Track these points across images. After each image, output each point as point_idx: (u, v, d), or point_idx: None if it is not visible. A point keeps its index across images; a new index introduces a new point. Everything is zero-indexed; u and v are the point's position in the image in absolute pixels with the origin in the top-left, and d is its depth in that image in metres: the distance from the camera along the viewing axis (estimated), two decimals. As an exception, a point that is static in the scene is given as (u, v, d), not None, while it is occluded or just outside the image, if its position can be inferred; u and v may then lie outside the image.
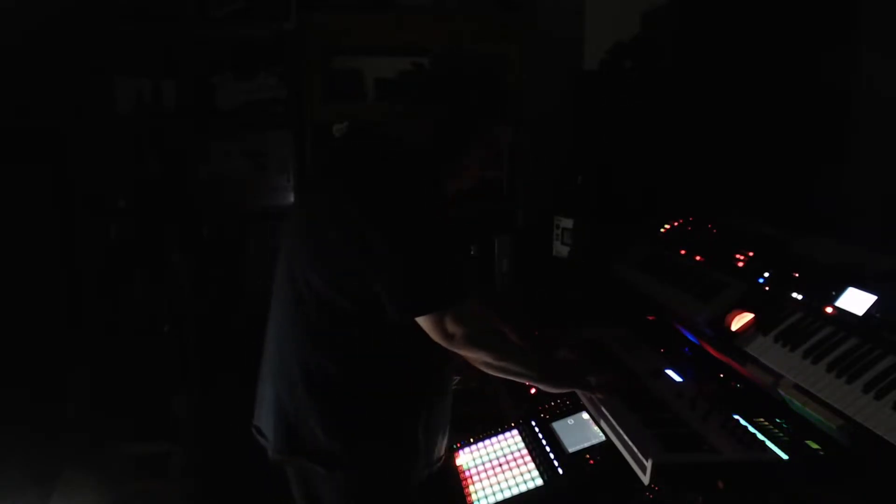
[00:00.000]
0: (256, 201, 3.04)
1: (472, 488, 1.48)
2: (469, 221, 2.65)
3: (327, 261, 1.35)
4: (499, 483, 1.45)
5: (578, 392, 1.53)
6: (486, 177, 1.56)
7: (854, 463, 1.14)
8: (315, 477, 1.41)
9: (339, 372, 1.37)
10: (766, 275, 1.51)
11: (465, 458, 1.59)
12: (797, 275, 1.44)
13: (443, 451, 1.53)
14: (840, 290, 1.31)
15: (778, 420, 1.31)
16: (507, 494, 1.42)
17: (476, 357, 1.38)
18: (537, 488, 1.40)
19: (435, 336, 1.34)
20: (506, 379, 1.50)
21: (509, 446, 1.56)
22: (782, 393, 1.28)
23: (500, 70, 1.56)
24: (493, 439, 1.60)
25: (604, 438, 1.41)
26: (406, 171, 1.36)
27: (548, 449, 1.48)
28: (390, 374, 1.39)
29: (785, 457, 1.18)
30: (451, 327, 1.33)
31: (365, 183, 1.36)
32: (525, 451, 1.52)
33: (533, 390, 1.70)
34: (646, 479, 1.16)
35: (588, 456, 1.40)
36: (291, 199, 3.00)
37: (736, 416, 1.32)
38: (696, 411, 1.35)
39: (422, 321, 1.33)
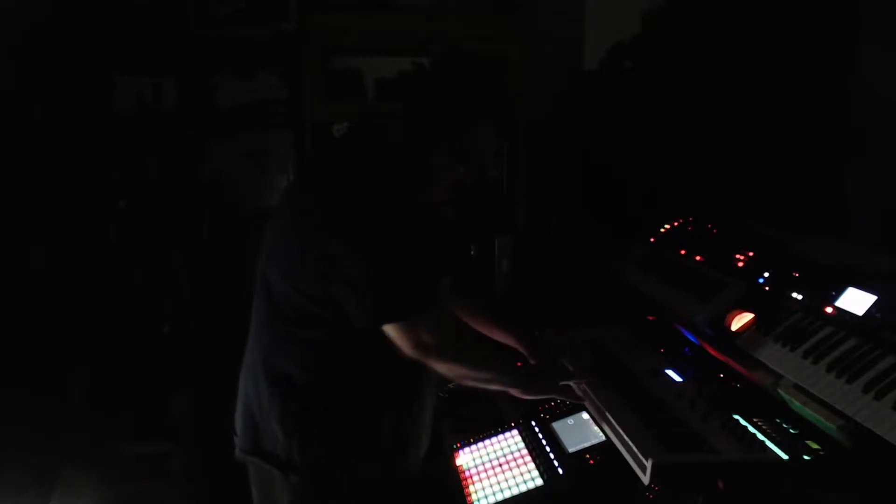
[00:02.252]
0: (256, 201, 3.04)
1: (472, 488, 1.48)
2: (469, 221, 2.65)
3: (292, 263, 1.34)
4: (499, 483, 1.45)
5: (574, 387, 1.53)
6: (474, 184, 1.47)
7: (854, 463, 1.14)
8: (272, 480, 1.40)
9: (301, 373, 1.36)
10: (766, 275, 1.51)
11: (465, 458, 1.59)
12: (797, 275, 1.44)
13: (417, 460, 1.50)
14: (840, 290, 1.31)
15: (778, 420, 1.31)
16: (507, 494, 1.42)
17: (446, 368, 1.37)
18: (537, 488, 1.40)
19: (404, 346, 1.31)
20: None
21: (509, 446, 1.56)
22: (782, 393, 1.28)
23: (496, 72, 1.52)
24: (493, 439, 1.60)
25: (604, 438, 1.41)
26: (374, 174, 1.34)
27: (548, 449, 1.48)
28: (353, 378, 1.38)
29: (785, 457, 1.18)
30: (422, 336, 1.30)
31: (330, 185, 1.35)
32: (525, 451, 1.52)
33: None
34: (646, 479, 1.16)
35: (588, 456, 1.40)
36: (291, 199, 3.01)
37: (736, 416, 1.32)
38: (696, 411, 1.35)
39: (389, 330, 1.30)
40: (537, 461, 1.47)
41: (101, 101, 2.87)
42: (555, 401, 1.62)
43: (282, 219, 1.42)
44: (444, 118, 1.36)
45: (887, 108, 1.69)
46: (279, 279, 1.36)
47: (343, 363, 1.37)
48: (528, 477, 1.44)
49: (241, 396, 1.49)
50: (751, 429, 1.27)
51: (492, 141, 1.42)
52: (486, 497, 1.43)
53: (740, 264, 1.61)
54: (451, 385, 1.83)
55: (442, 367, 1.37)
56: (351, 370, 1.38)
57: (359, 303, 1.29)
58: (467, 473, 1.53)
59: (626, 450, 1.25)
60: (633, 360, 1.65)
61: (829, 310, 1.30)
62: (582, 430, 1.48)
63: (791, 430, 1.27)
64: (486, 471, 1.51)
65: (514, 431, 1.59)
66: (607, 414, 1.38)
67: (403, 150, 1.38)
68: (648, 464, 1.15)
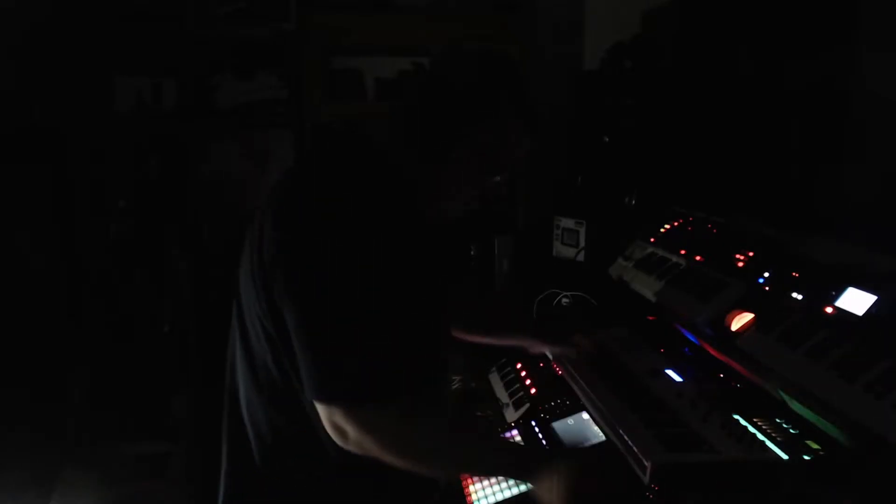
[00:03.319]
0: (256, 201, 3.03)
1: (472, 488, 1.47)
2: (470, 221, 2.63)
3: (260, 289, 1.10)
4: (499, 483, 1.45)
5: (574, 388, 1.53)
6: (487, 195, 1.26)
7: (854, 463, 1.14)
8: None
9: (285, 428, 1.14)
10: (766, 275, 1.51)
11: (465, 458, 1.59)
12: (797, 275, 1.44)
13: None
14: (840, 290, 1.31)
15: (778, 420, 1.31)
16: (507, 494, 1.41)
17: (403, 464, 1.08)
18: (537, 488, 1.40)
19: (328, 428, 1.05)
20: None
21: (509, 446, 1.55)
22: (782, 393, 1.28)
23: (510, 67, 1.21)
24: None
25: (604, 438, 1.41)
26: (354, 189, 1.06)
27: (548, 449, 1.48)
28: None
29: (785, 457, 1.18)
30: (341, 422, 1.02)
31: (293, 204, 1.09)
32: (525, 451, 1.51)
33: (533, 390, 1.70)
34: (646, 480, 1.16)
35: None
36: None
37: (736, 416, 1.32)
38: (696, 411, 1.35)
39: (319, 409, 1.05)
40: (537, 461, 1.46)
41: (101, 101, 2.88)
42: (555, 401, 1.62)
43: (250, 239, 1.18)
44: (467, 111, 1.15)
45: (887, 108, 1.69)
46: (255, 312, 1.13)
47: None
48: (528, 477, 1.43)
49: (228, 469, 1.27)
50: (751, 429, 1.27)
51: (526, 140, 1.22)
52: (486, 497, 1.43)
53: (740, 264, 1.61)
54: (453, 386, 1.83)
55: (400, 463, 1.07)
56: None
57: (303, 362, 1.03)
58: (467, 473, 1.53)
59: (626, 450, 1.25)
60: (633, 360, 1.65)
61: (829, 310, 1.30)
62: (582, 430, 1.48)
63: (791, 430, 1.27)
64: (486, 471, 1.51)
65: (514, 431, 1.59)
66: (607, 414, 1.38)
67: (410, 151, 1.18)
68: (648, 464, 1.15)
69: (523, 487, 1.41)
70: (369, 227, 1.03)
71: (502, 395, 1.75)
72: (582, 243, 2.45)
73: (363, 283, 1.00)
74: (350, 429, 1.02)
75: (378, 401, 1.02)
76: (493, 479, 1.46)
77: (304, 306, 1.01)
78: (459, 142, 1.16)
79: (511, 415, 1.66)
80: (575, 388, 1.59)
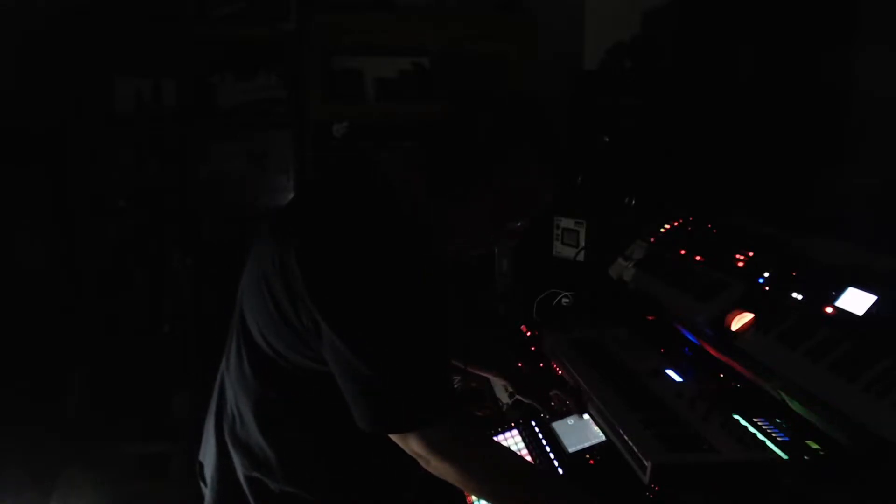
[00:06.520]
0: (256, 201, 3.04)
1: (472, 488, 1.47)
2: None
3: (274, 326, 1.14)
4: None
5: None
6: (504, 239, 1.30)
7: (854, 463, 1.14)
8: None
9: (275, 448, 1.20)
10: (766, 275, 1.51)
11: (465, 458, 1.58)
12: (797, 275, 1.44)
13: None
14: (840, 290, 1.31)
15: (778, 420, 1.31)
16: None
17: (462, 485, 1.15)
18: (537, 488, 1.40)
19: (407, 451, 1.12)
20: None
21: (509, 446, 1.55)
22: (782, 393, 1.29)
23: (534, 110, 1.21)
24: (493, 439, 1.60)
25: (604, 438, 1.41)
26: (371, 235, 1.07)
27: (548, 449, 1.47)
28: (335, 453, 1.21)
29: (785, 457, 1.18)
30: (418, 449, 1.09)
31: (315, 249, 1.08)
32: (525, 452, 1.51)
33: (533, 390, 1.70)
34: (646, 480, 1.16)
35: (588, 456, 1.40)
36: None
37: (736, 416, 1.32)
38: (696, 411, 1.35)
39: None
40: (537, 461, 1.46)
41: (101, 101, 2.88)
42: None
43: (263, 273, 1.15)
44: (483, 143, 1.14)
45: (887, 108, 1.69)
46: (259, 336, 1.18)
47: (327, 434, 1.20)
48: (528, 477, 1.43)
49: (216, 455, 1.35)
50: (751, 429, 1.27)
51: (549, 188, 1.24)
52: (486, 497, 1.43)
53: (740, 264, 1.61)
54: (454, 386, 1.83)
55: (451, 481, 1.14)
56: (336, 443, 1.20)
57: (352, 402, 1.08)
58: (467, 473, 1.53)
59: (626, 450, 1.25)
60: (633, 360, 1.65)
61: (829, 310, 1.30)
62: (582, 430, 1.48)
63: (791, 430, 1.27)
64: (486, 471, 1.50)
65: (514, 431, 1.59)
66: (607, 414, 1.38)
67: (427, 191, 1.16)
68: (648, 464, 1.15)
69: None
70: (397, 266, 1.07)
71: (502, 395, 1.74)
72: (582, 243, 2.45)
73: (404, 322, 1.06)
74: (426, 453, 1.09)
75: (439, 420, 1.09)
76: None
77: (356, 350, 1.05)
78: (478, 186, 1.15)
79: (511, 414, 1.65)
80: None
